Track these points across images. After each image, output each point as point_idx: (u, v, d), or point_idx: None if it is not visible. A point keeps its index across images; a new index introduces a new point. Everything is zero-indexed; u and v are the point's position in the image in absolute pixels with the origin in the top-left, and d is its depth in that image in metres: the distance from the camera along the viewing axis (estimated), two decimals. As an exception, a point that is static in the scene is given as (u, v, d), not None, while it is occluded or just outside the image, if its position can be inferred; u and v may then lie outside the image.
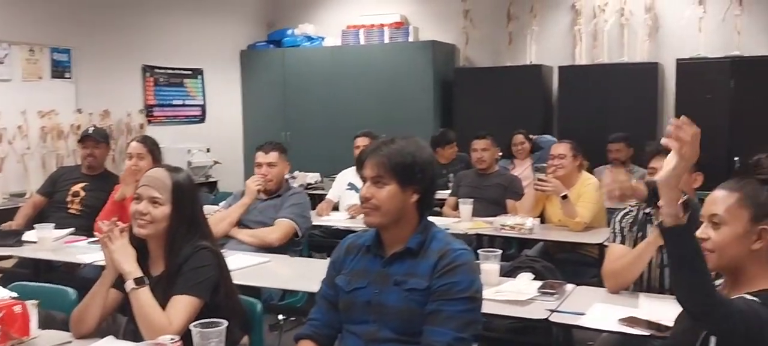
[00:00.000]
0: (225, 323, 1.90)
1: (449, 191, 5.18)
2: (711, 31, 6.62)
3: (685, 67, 6.50)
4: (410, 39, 7.72)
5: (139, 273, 2.13)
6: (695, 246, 1.59)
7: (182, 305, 2.09)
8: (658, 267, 2.77)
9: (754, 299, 1.67)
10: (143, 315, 2.07)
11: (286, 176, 4.23)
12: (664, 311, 2.20)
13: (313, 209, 4.60)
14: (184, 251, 2.16)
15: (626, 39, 6.97)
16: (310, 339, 2.13)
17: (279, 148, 3.98)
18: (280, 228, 3.75)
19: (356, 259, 2.13)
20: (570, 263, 4.21)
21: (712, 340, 1.70)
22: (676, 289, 1.64)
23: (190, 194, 2.26)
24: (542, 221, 4.44)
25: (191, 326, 1.91)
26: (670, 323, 2.00)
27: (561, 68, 7.12)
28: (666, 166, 1.59)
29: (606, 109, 6.75)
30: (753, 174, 1.86)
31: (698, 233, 1.81)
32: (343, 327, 2.13)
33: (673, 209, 1.57)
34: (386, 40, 7.77)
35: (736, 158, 6.17)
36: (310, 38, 8.21)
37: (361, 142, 4.91)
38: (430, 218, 2.13)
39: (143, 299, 2.08)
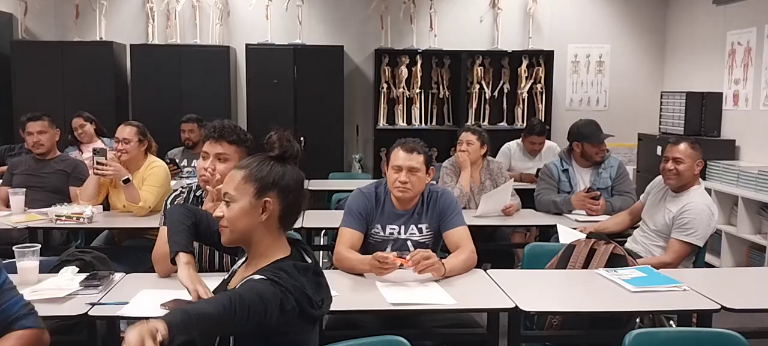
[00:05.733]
0: None
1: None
2: (277, 19, 7.08)
3: (254, 52, 6.84)
4: (-49, 3, 6.58)
5: None
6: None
7: None
8: (208, 248, 2.80)
9: (261, 276, 1.75)
10: None
11: None
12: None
13: None
14: None
15: (199, 21, 7.03)
16: None
17: None
18: None
19: None
20: (136, 250, 4.06)
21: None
22: None
23: None
24: (107, 208, 4.19)
25: None
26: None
27: (134, 46, 6.85)
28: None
29: (180, 90, 6.73)
30: (266, 150, 1.98)
31: (216, 213, 1.86)
32: None
33: None
34: None
35: (302, 138, 6.72)
36: None
37: None
38: None
39: None
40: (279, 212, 1.85)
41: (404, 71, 7.05)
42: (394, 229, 2.98)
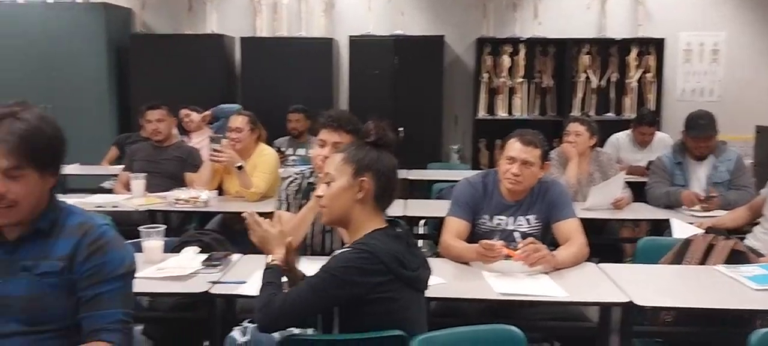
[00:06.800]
0: None
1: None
2: (379, 10, 7.14)
3: (356, 43, 6.93)
4: (78, 0, 7.03)
5: None
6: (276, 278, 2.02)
7: None
8: (321, 233, 2.89)
9: (348, 248, 1.93)
10: None
11: None
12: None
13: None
14: None
15: (304, 13, 7.20)
16: None
17: None
18: None
19: None
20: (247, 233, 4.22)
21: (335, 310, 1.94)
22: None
23: None
24: (221, 193, 4.38)
25: None
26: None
27: (243, 39, 7.09)
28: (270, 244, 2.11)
29: (286, 81, 6.91)
30: (363, 139, 2.10)
31: (318, 192, 2.05)
32: None
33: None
34: (49, 0, 6.96)
35: (400, 129, 6.76)
36: (-52, -9, 7.01)
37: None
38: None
39: None
40: (374, 191, 1.98)
41: (506, 60, 6.95)
42: (501, 219, 2.94)
